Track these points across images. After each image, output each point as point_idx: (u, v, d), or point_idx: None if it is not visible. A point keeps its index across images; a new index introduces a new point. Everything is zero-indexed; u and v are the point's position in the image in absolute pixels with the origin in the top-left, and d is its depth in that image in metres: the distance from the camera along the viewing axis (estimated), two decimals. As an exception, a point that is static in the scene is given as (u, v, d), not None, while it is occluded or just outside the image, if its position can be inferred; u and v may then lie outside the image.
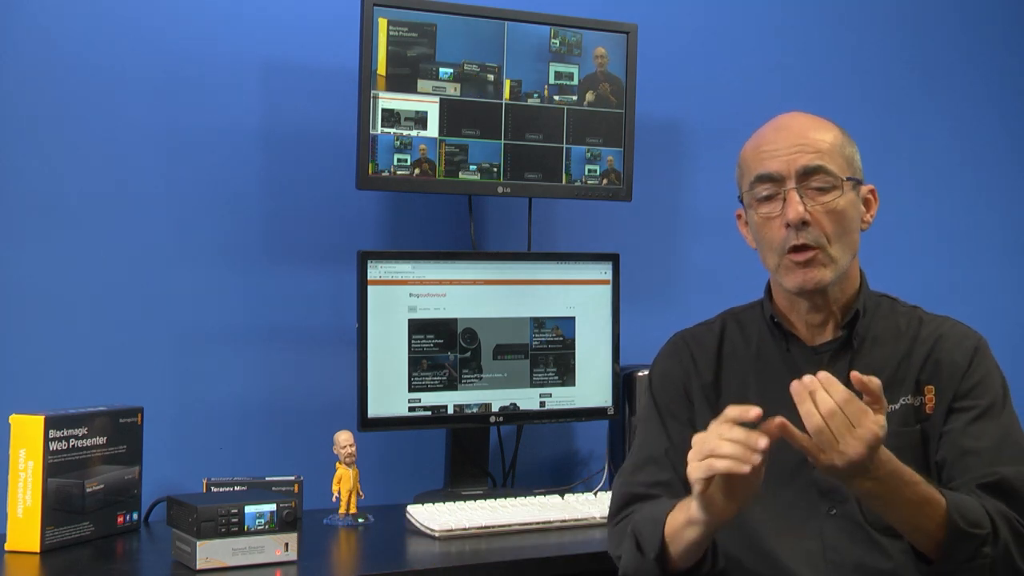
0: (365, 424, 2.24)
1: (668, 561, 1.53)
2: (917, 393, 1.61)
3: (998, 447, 1.55)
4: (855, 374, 1.39)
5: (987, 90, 3.15)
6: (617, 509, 1.67)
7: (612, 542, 1.67)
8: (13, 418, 1.93)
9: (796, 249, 1.58)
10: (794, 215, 1.56)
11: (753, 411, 1.37)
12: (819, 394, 1.37)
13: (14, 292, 2.17)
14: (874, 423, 1.36)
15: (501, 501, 2.20)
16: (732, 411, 1.39)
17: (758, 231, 1.64)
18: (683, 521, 1.49)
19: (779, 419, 1.37)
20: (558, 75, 2.39)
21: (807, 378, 1.38)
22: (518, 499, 2.22)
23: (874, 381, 1.38)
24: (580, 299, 2.42)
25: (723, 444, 1.36)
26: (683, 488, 1.60)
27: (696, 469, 1.39)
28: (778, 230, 1.59)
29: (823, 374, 1.38)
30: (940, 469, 1.58)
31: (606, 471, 2.47)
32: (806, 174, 1.58)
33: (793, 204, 1.57)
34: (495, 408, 2.35)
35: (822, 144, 1.60)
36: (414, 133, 2.27)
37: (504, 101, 2.34)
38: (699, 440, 1.40)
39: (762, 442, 1.35)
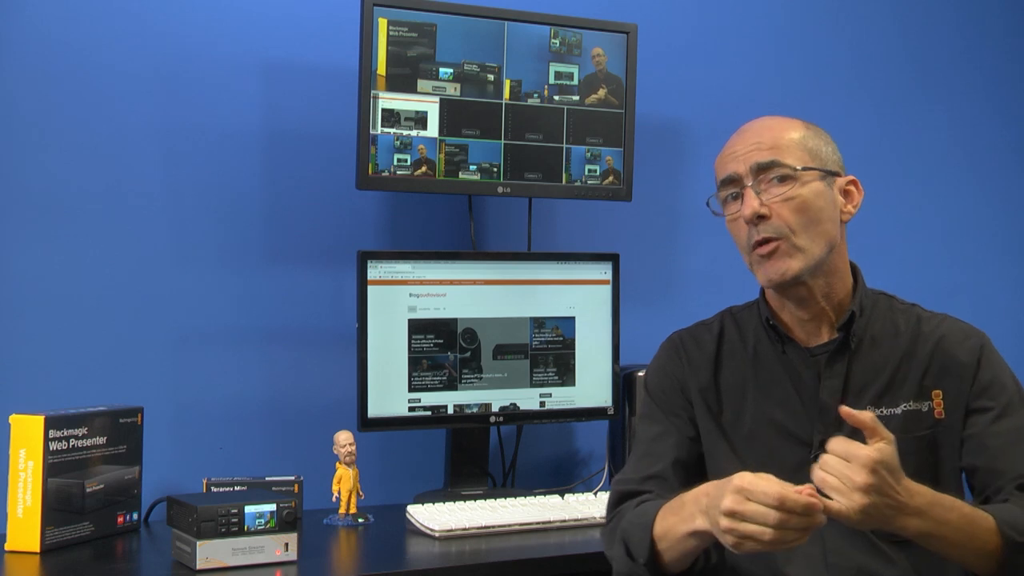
0: (365, 424, 2.24)
1: (660, 565, 1.53)
2: (922, 398, 1.59)
3: None
4: (844, 408, 1.38)
5: (987, 90, 3.15)
6: (610, 508, 1.68)
7: (605, 541, 1.67)
8: (13, 418, 1.93)
9: (759, 244, 1.58)
10: (748, 211, 1.57)
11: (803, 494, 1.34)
12: (821, 458, 1.37)
13: (14, 292, 2.17)
14: (867, 448, 1.34)
15: (501, 501, 2.20)
16: (768, 492, 1.33)
17: (731, 234, 1.65)
18: (685, 532, 1.46)
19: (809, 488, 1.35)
20: (558, 75, 2.38)
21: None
22: (518, 499, 2.22)
23: (865, 414, 1.37)
24: (580, 299, 2.42)
25: (787, 533, 1.32)
26: (675, 478, 1.62)
27: (763, 547, 1.34)
28: (743, 229, 1.60)
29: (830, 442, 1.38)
30: (971, 475, 1.57)
31: (606, 471, 2.47)
32: (760, 170, 1.58)
33: (747, 200, 1.57)
34: (495, 408, 2.34)
35: (779, 140, 1.60)
36: (414, 133, 2.27)
37: (504, 101, 2.34)
38: (752, 528, 1.33)
39: (822, 518, 1.32)
